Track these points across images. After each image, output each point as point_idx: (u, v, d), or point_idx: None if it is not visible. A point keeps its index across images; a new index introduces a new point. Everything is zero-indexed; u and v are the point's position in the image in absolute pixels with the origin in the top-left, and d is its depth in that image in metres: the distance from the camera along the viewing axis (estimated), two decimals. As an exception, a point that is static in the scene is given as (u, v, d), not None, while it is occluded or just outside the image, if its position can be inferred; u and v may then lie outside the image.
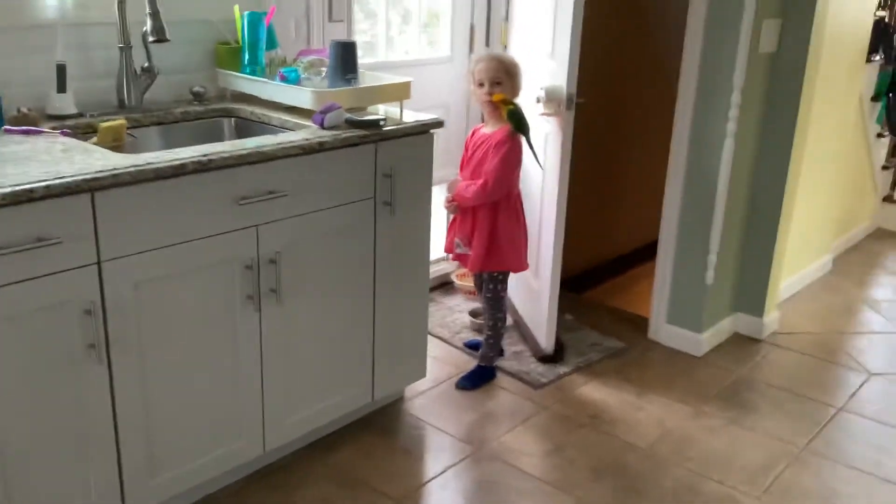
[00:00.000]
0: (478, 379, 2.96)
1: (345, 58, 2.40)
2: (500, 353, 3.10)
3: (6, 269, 1.63)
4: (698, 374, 3.10)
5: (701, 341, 3.25)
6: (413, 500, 2.31)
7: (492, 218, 2.76)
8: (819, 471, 2.53)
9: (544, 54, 3.00)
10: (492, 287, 2.91)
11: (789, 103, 3.13)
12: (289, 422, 2.31)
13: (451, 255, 3.01)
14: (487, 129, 2.79)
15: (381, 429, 2.65)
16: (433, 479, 2.42)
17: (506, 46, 3.54)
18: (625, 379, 3.04)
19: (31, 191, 1.62)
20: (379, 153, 2.33)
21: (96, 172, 1.73)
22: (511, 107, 2.66)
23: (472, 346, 3.19)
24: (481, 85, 2.73)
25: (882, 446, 2.67)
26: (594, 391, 2.95)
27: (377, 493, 2.33)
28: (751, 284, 3.38)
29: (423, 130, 2.46)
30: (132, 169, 1.78)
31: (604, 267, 4.12)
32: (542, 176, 3.08)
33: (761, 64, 3.05)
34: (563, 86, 2.81)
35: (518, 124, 2.68)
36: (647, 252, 4.31)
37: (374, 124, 2.29)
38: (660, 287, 3.34)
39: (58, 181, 1.66)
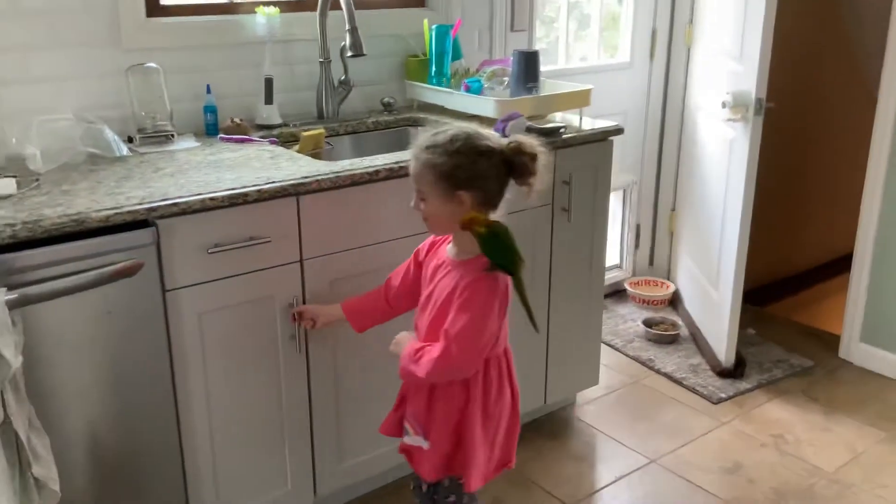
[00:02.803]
0: None
1: (527, 67, 2.45)
2: None
3: (223, 264, 1.81)
4: (892, 398, 2.88)
5: (898, 362, 3.02)
6: (585, 505, 2.33)
7: (464, 393, 1.65)
8: None
9: (731, 57, 2.91)
10: (452, 499, 1.77)
11: None
12: (465, 420, 2.39)
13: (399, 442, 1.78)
14: (453, 252, 1.65)
15: (551, 433, 2.67)
16: (605, 487, 2.41)
17: (689, 49, 3.46)
18: (811, 398, 2.88)
19: (245, 194, 1.79)
20: (558, 160, 2.36)
21: (301, 178, 1.88)
22: (483, 230, 1.53)
23: None
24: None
25: None
26: (777, 409, 2.81)
27: (549, 495, 2.36)
28: (959, 304, 3.10)
29: (603, 138, 2.46)
30: (332, 175, 1.92)
31: (789, 280, 3.92)
32: (725, 181, 2.99)
33: (978, 63, 2.80)
34: (752, 90, 2.72)
35: (499, 257, 1.57)
36: (839, 265, 4.06)
37: (555, 132, 2.33)
38: (853, 303, 3.13)
39: (269, 185, 1.83)
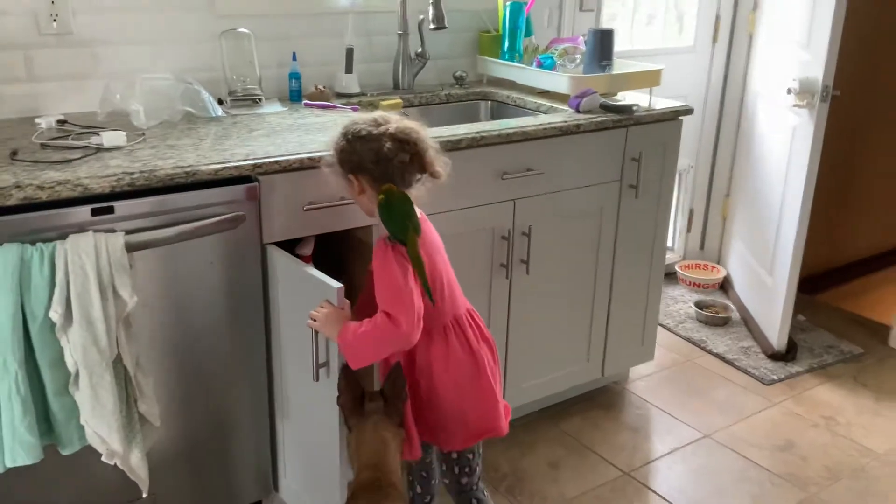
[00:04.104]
0: None
1: (602, 45, 2.50)
2: None
3: (316, 222, 1.90)
4: (947, 388, 2.92)
5: (951, 354, 3.05)
6: (641, 473, 2.40)
7: (426, 360, 1.69)
8: None
9: (797, 44, 2.94)
10: (459, 471, 1.82)
11: None
12: (526, 385, 2.47)
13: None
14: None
15: (607, 404, 2.74)
16: (661, 457, 2.48)
17: (751, 37, 3.48)
18: (862, 384, 2.93)
19: (339, 155, 1.87)
20: (629, 137, 2.42)
21: (389, 143, 1.96)
22: (381, 197, 1.60)
23: None
24: None
25: None
26: (828, 393, 2.86)
27: (605, 462, 2.44)
28: None
29: (673, 117, 2.52)
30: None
31: (839, 269, 3.94)
32: (786, 168, 3.02)
33: None
34: (819, 77, 2.74)
35: (392, 225, 1.61)
36: (889, 257, 4.08)
37: (628, 109, 2.38)
38: (907, 292, 3.16)
39: (360, 148, 1.90)
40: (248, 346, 1.90)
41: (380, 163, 1.59)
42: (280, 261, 1.82)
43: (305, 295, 1.73)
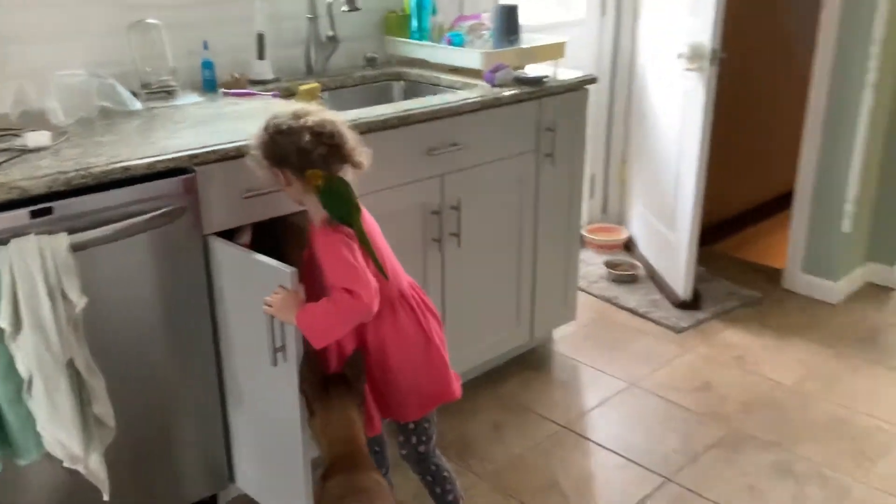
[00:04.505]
0: None
1: (508, 20, 2.59)
2: None
3: (256, 209, 1.90)
4: (836, 320, 3.20)
5: (837, 289, 3.34)
6: (578, 425, 2.53)
7: (377, 338, 1.75)
8: (967, 407, 2.62)
9: (685, 11, 3.12)
10: (416, 440, 1.87)
11: (929, 53, 3.16)
12: (464, 353, 2.54)
13: None
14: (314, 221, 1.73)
15: (537, 365, 2.87)
16: (593, 408, 2.62)
17: (637, 8, 3.66)
18: (764, 325, 3.17)
19: (273, 141, 1.88)
20: (542, 108, 2.52)
21: (320, 126, 1.97)
22: (320, 183, 1.63)
23: None
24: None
25: None
26: (735, 335, 3.09)
27: (544, 419, 2.55)
28: (885, 234, 3.43)
29: (580, 87, 2.64)
30: (349, 123, 2.02)
31: (731, 221, 4.21)
32: (680, 130, 3.21)
33: (901, 15, 3.10)
34: (707, 42, 2.93)
35: (335, 208, 1.66)
36: (773, 206, 4.39)
37: (540, 81, 2.48)
38: (795, 236, 3.43)
39: (293, 133, 1.91)
40: (195, 338, 1.89)
41: (301, 155, 1.63)
42: (226, 250, 1.82)
43: (255, 282, 1.74)
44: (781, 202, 3.94)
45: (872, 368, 2.85)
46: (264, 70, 2.50)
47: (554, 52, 2.69)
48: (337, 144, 1.66)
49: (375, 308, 1.62)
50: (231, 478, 2.06)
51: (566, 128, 2.61)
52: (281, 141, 1.65)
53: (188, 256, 1.82)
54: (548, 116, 2.54)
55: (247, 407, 1.93)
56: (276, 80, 2.52)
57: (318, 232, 1.67)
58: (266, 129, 1.67)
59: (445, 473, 1.92)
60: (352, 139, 1.70)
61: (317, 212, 1.68)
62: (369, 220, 1.77)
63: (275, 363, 1.71)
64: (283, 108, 1.71)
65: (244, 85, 2.39)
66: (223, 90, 2.34)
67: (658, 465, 2.35)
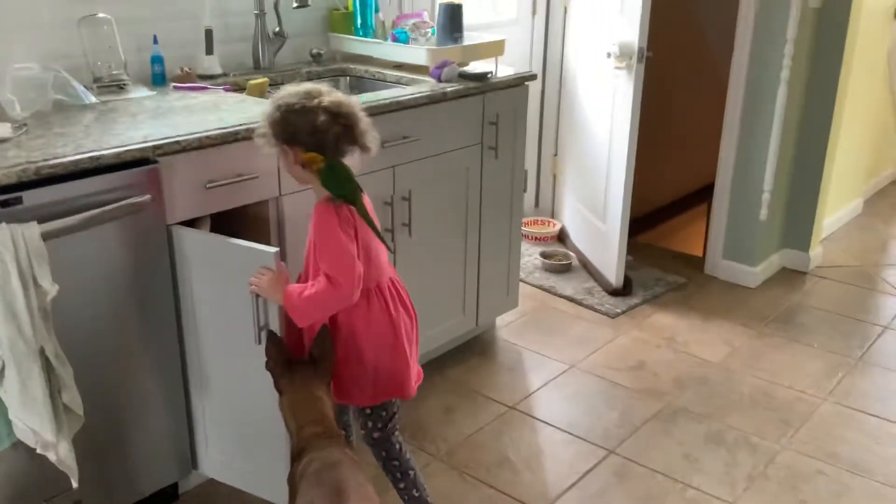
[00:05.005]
0: None
1: (453, 18, 2.69)
2: None
3: (218, 199, 1.94)
4: (755, 302, 3.43)
5: (755, 274, 3.57)
6: (524, 405, 2.65)
7: (347, 322, 1.79)
8: (874, 377, 2.86)
9: (614, 11, 3.28)
10: (371, 425, 1.91)
11: (834, 54, 3.42)
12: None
13: None
14: (315, 197, 1.78)
15: (482, 351, 2.98)
16: (537, 389, 2.75)
17: (566, 9, 3.81)
18: (690, 308, 3.37)
19: (236, 133, 1.94)
20: (486, 103, 2.63)
21: (279, 118, 2.03)
22: (321, 166, 1.69)
23: None
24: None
25: (927, 357, 3.01)
26: (664, 318, 3.27)
27: (492, 401, 2.67)
28: (798, 222, 3.69)
29: (520, 83, 2.76)
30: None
31: (654, 213, 4.43)
32: (610, 125, 3.38)
33: (810, 18, 3.34)
34: (635, 41, 3.10)
35: (337, 189, 1.72)
36: (693, 199, 4.64)
37: (484, 77, 2.59)
38: (716, 225, 3.65)
39: (255, 125, 1.95)
40: (159, 326, 1.92)
41: (315, 135, 1.66)
42: (201, 238, 1.87)
43: (233, 266, 1.79)
44: (701, 195, 4.18)
45: (790, 345, 3.07)
46: (212, 65, 2.53)
47: (495, 49, 2.81)
48: (351, 125, 1.69)
49: (356, 297, 1.68)
50: (194, 465, 2.10)
51: (508, 122, 2.73)
52: (294, 120, 1.66)
53: (152, 246, 1.85)
54: (491, 111, 2.65)
55: (218, 391, 1.98)
56: (224, 74, 2.55)
57: (320, 207, 1.71)
58: (279, 107, 1.68)
59: (396, 462, 1.93)
60: (364, 121, 1.72)
61: (320, 191, 1.72)
62: (368, 205, 1.81)
63: (259, 341, 1.78)
64: (293, 88, 1.72)
65: (194, 79, 2.41)
66: (174, 84, 2.36)
67: (601, 438, 2.49)
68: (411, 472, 1.95)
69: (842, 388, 2.78)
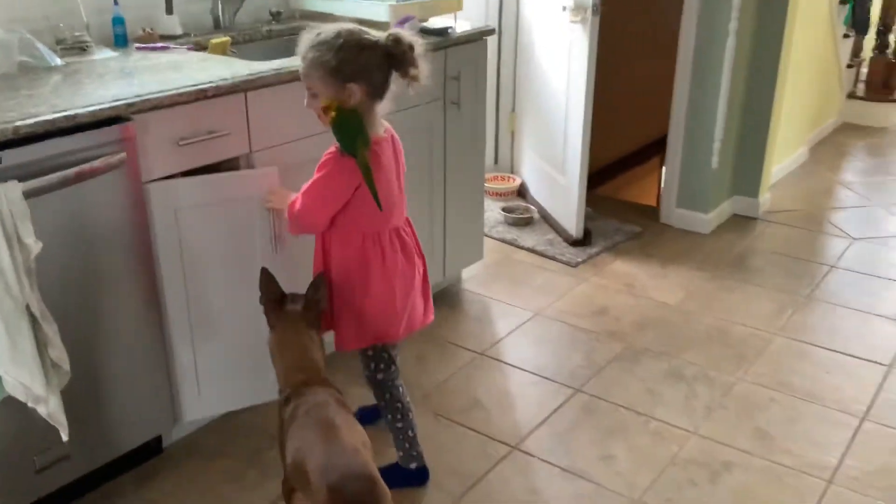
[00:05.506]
0: (399, 481, 2.04)
1: (411, -25, 2.72)
2: (418, 459, 2.11)
3: (192, 157, 1.98)
4: (709, 248, 3.57)
5: (708, 221, 3.71)
6: (494, 351, 2.75)
7: (342, 264, 1.89)
8: (822, 312, 3.03)
9: (568, -33, 3.34)
10: (374, 367, 2.02)
11: (779, 6, 3.53)
12: (385, 293, 2.71)
13: None
14: None
15: (451, 302, 3.06)
16: (505, 336, 2.85)
17: (520, -36, 3.85)
18: (647, 255, 3.49)
19: (205, 90, 1.96)
20: (447, 58, 2.68)
21: (247, 75, 2.06)
22: (334, 114, 1.74)
23: (368, 417, 2.29)
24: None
25: (871, 292, 3.18)
26: (624, 266, 3.39)
27: (462, 349, 2.76)
28: (748, 169, 3.83)
29: (480, 38, 2.81)
30: (272, 73, 2.12)
31: (611, 165, 4.54)
32: (566, 79, 3.45)
33: (756, -31, 3.45)
34: (589, -6, 3.17)
35: (344, 139, 1.77)
36: (648, 151, 4.76)
37: (445, 32, 2.64)
38: (670, 175, 3.77)
39: (223, 82, 2.00)
40: (137, 285, 1.95)
41: (383, 72, 1.75)
42: (193, 182, 1.98)
43: (234, 196, 2.04)
44: (655, 147, 4.29)
45: (742, 286, 3.22)
46: (173, 25, 2.53)
47: (453, 4, 2.85)
48: (409, 58, 1.74)
49: (313, 226, 1.88)
50: (178, 417, 2.15)
51: (469, 77, 2.78)
52: (365, 56, 1.72)
53: (130, 203, 1.88)
54: (453, 66, 2.70)
55: (212, 327, 2.09)
56: (186, 34, 2.55)
57: (328, 155, 1.85)
58: (341, 42, 1.71)
59: (398, 404, 2.04)
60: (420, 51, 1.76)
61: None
62: (387, 155, 1.86)
63: (276, 250, 2.09)
64: (330, 26, 1.75)
65: (156, 40, 2.42)
66: (136, 45, 2.36)
67: (567, 378, 2.60)
68: (410, 414, 2.07)
69: (792, 323, 2.94)
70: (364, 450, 1.60)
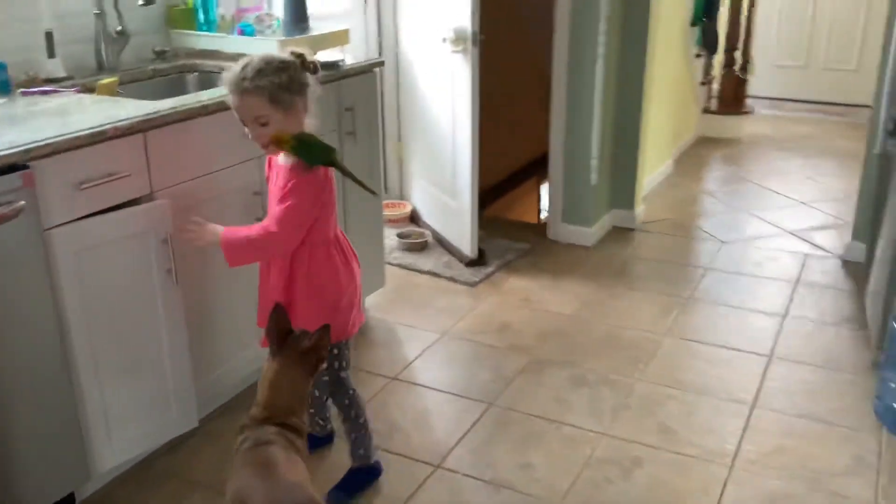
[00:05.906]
0: (356, 486, 2.21)
1: (298, 9, 2.77)
2: (376, 451, 2.27)
3: (93, 200, 1.93)
4: (594, 259, 3.76)
5: (592, 234, 3.92)
6: (406, 374, 2.80)
7: (315, 277, 2.00)
8: (703, 312, 3.26)
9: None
10: (338, 365, 2.15)
11: (642, 29, 3.80)
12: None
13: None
14: (284, 160, 1.94)
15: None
16: (415, 359, 2.91)
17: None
18: (539, 270, 3.65)
19: (104, 132, 1.93)
20: (341, 90, 2.73)
21: (146, 115, 2.04)
22: (292, 142, 1.85)
23: (319, 442, 2.40)
24: (245, 125, 1.93)
25: (744, 289, 3.45)
26: (519, 281, 3.53)
27: (374, 374, 2.79)
28: (623, 183, 4.08)
29: (370, 69, 2.88)
30: (170, 111, 2.11)
31: (494, 187, 4.70)
32: (451, 107, 3.57)
33: (619, -3, 3.70)
34: (468, 25, 3.30)
35: (316, 158, 1.91)
36: (526, 171, 4.96)
37: (336, 65, 2.69)
38: (554, 192, 3.95)
39: (121, 123, 1.97)
40: (38, 334, 1.88)
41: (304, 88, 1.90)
42: (86, 224, 1.94)
43: (131, 233, 2.03)
44: (534, 167, 4.49)
45: (629, 293, 3.42)
46: (56, 68, 2.46)
47: (341, 38, 2.91)
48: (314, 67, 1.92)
49: (287, 251, 1.93)
50: (90, 472, 2.07)
51: (363, 107, 2.85)
52: (296, 72, 1.89)
53: (29, 252, 1.82)
54: (346, 98, 2.76)
55: (120, 366, 2.07)
56: (69, 77, 2.48)
57: (295, 171, 1.88)
58: (276, 65, 1.85)
59: (359, 399, 2.19)
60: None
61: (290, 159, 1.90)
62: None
63: (176, 282, 2.11)
64: (243, 61, 1.88)
65: (40, 83, 2.34)
66: (21, 90, 2.28)
67: (479, 394, 2.68)
68: (368, 416, 2.21)
69: (677, 324, 3.15)
70: (307, 484, 1.60)
